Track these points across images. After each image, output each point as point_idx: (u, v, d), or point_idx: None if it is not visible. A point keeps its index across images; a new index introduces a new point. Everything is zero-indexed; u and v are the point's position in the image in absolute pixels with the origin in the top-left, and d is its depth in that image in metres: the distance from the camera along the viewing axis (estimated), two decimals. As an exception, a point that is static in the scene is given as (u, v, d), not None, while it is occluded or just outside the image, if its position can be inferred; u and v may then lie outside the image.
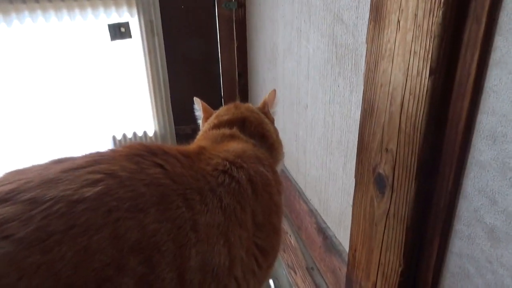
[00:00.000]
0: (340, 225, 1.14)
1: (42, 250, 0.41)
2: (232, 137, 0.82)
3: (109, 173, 0.50)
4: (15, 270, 0.39)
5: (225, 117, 0.88)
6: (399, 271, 0.71)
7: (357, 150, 0.83)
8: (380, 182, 0.74)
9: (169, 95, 1.97)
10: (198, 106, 1.00)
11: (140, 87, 1.94)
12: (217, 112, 0.93)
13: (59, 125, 1.87)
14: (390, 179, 0.71)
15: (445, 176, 0.61)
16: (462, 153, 0.57)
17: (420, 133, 0.62)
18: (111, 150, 0.57)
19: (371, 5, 0.71)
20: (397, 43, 0.64)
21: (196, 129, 2.15)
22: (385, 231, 0.75)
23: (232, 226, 0.61)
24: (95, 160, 0.52)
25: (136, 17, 1.81)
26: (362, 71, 0.87)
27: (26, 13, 1.67)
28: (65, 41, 1.77)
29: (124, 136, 1.96)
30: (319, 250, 1.25)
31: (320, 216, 1.27)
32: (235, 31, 1.97)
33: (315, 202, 1.31)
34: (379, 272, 0.79)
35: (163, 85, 1.94)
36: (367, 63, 0.75)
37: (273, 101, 1.00)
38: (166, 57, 1.90)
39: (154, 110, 1.97)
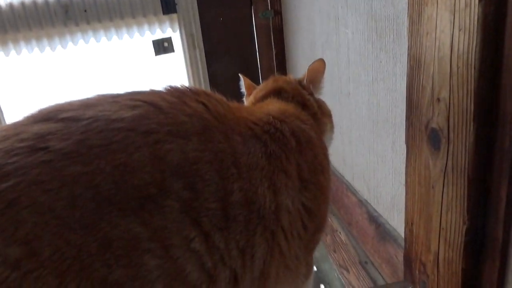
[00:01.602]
0: (393, 210, 1.07)
1: (81, 162, 0.41)
2: (271, 102, 0.81)
3: (149, 101, 0.50)
4: (57, 178, 0.39)
5: (262, 92, 0.87)
6: (464, 230, 0.65)
7: (406, 114, 0.80)
8: (434, 138, 0.70)
9: (211, 105, 2.01)
10: (242, 82, 1.00)
11: (183, 99, 2.00)
12: (258, 87, 0.92)
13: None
14: (445, 131, 0.66)
15: (507, 111, 0.56)
16: (525, 79, 0.53)
17: (474, 69, 0.58)
18: (152, 89, 0.56)
19: (409, -45, 0.70)
20: (440, -17, 0.62)
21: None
22: (444, 189, 0.69)
23: (278, 172, 0.59)
24: (135, 92, 0.52)
25: (178, 32, 1.91)
26: (406, 32, 0.84)
27: (79, 34, 1.81)
28: (114, 58, 1.88)
29: (170, 147, 2.01)
30: (372, 242, 1.18)
31: (371, 205, 1.20)
32: (273, 38, 2.01)
33: (364, 192, 1.26)
34: (440, 238, 0.72)
35: (205, 96, 2.00)
36: (410, 16, 0.73)
37: (317, 72, 0.90)
38: (207, 68, 1.97)
39: (198, 120, 2.02)
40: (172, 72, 1.96)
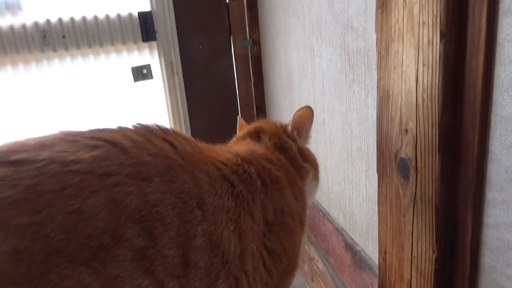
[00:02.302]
0: (368, 238, 1.08)
1: (30, 211, 0.39)
2: (244, 142, 0.81)
3: (111, 141, 0.48)
4: (1, 230, 0.37)
5: (243, 132, 0.87)
6: (433, 258, 0.66)
7: (376, 143, 0.82)
8: (403, 167, 0.72)
9: (190, 132, 2.01)
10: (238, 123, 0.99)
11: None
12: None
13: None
14: (413, 160, 0.68)
15: (470, 142, 0.58)
16: (484, 113, 0.55)
17: (438, 102, 0.60)
18: (119, 126, 0.54)
19: (376, -6, 0.74)
20: (405, 20, 0.65)
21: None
22: (414, 219, 0.71)
23: (244, 214, 0.58)
24: (98, 130, 0.51)
25: (157, 59, 1.92)
26: (375, 63, 0.88)
27: (57, 60, 1.80)
28: (92, 85, 1.87)
29: (147, 173, 1.98)
30: (349, 270, 1.18)
31: (347, 233, 1.21)
32: (251, 67, 2.04)
33: (340, 220, 1.26)
34: (412, 267, 0.73)
35: (183, 123, 1.99)
36: (378, 51, 0.76)
37: (303, 120, 0.86)
38: (185, 96, 1.98)
39: (175, 147, 2.01)
40: (151, 98, 1.96)
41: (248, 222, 0.59)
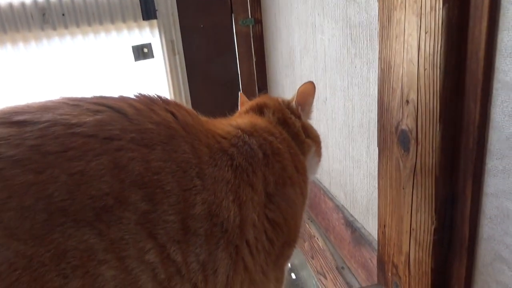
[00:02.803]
0: (368, 214, 1.08)
1: (33, 171, 0.39)
2: (246, 116, 0.81)
3: (114, 107, 0.48)
4: (5, 188, 0.38)
5: (246, 107, 0.87)
6: (432, 229, 0.66)
7: (377, 117, 0.81)
8: (404, 139, 0.71)
9: (191, 112, 2.00)
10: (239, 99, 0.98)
11: (163, 105, 1.99)
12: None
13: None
14: (414, 131, 0.68)
15: (471, 111, 0.57)
16: (486, 79, 0.54)
17: (440, 70, 0.59)
18: (121, 95, 0.54)
19: (379, -38, 0.72)
20: (408, -13, 0.64)
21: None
22: (413, 191, 0.70)
23: (243, 186, 0.58)
24: (101, 96, 0.51)
25: (157, 37, 1.90)
26: (377, 35, 0.86)
27: (57, 39, 1.78)
28: (92, 63, 1.86)
29: (148, 153, 1.98)
30: (348, 247, 1.18)
31: (347, 210, 1.21)
32: (253, 46, 2.02)
33: (341, 198, 1.26)
34: (411, 239, 0.73)
35: (184, 103, 1.98)
36: (380, 21, 0.74)
37: (307, 95, 0.87)
38: (187, 75, 1.96)
39: (177, 127, 2.00)
40: (152, 77, 1.95)
41: (248, 193, 0.59)
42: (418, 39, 0.63)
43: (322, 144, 1.34)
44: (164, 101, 0.57)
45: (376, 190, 1.02)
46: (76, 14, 1.77)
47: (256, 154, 0.64)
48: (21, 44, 1.74)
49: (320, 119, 1.33)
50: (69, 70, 1.84)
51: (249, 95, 2.27)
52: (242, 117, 0.81)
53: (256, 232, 0.60)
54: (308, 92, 0.87)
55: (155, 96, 0.57)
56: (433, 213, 0.65)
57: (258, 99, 0.88)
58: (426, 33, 0.61)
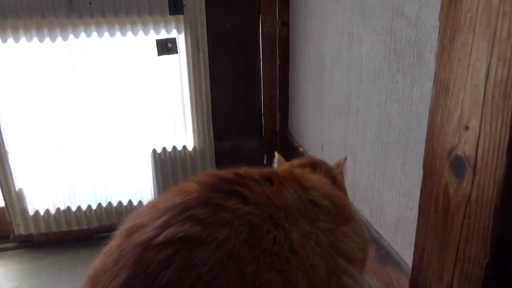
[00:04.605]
0: (397, 233, 1.06)
1: None
2: (308, 170, 0.86)
3: (184, 237, 0.48)
4: None
5: (298, 162, 0.91)
6: (484, 263, 0.63)
7: (426, 137, 0.78)
8: (458, 166, 0.68)
9: (211, 111, 1.98)
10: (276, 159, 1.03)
11: (182, 102, 1.97)
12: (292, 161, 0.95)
13: (102, 135, 1.90)
14: (472, 160, 0.65)
15: (544, 146, 0.55)
16: None
17: (511, 101, 0.57)
18: (182, 196, 0.53)
19: (446, -21, 0.69)
20: (480, 10, 0.61)
21: (234, 145, 2.13)
22: (465, 220, 0.68)
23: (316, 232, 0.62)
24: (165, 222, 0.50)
25: (183, 33, 1.87)
26: (427, 53, 0.84)
27: (82, 28, 1.76)
28: (115, 54, 1.83)
29: (164, 149, 1.96)
30: (372, 264, 1.16)
31: (372, 226, 1.19)
32: (278, 49, 1.99)
33: (365, 212, 1.24)
34: (456, 269, 0.70)
35: (205, 101, 1.96)
36: (440, 41, 0.72)
37: (343, 165, 1.02)
38: (209, 73, 1.94)
39: (195, 125, 1.98)
40: (174, 73, 1.92)
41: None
42: (487, 65, 0.60)
43: (349, 156, 1.33)
44: (228, 180, 0.59)
45: (409, 210, 1.00)
46: (103, 4, 1.74)
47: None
48: (45, 31, 1.71)
49: (348, 131, 1.31)
50: (92, 60, 1.81)
51: (269, 97, 2.24)
52: (309, 173, 0.85)
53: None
54: (345, 165, 1.03)
55: (216, 179, 0.58)
56: (488, 247, 0.63)
57: (309, 159, 0.96)
58: (499, 60, 0.58)
